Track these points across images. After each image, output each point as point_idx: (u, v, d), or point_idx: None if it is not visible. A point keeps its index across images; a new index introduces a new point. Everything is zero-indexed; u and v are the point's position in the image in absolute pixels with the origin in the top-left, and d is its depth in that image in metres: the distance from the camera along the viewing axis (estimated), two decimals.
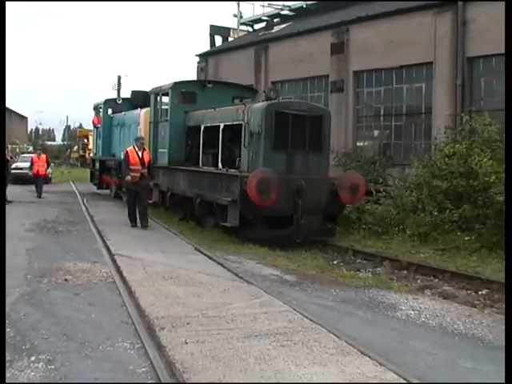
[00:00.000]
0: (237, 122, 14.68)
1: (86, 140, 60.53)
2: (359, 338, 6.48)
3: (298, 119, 13.77)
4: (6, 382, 5.19)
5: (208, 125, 16.37)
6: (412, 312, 7.87)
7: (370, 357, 5.79)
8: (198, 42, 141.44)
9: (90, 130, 59.45)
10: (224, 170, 14.66)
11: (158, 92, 18.63)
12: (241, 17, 38.82)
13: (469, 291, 10.25)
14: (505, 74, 8.03)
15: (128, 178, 15.02)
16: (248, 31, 38.19)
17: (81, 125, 73.25)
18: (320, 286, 9.17)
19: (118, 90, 61.67)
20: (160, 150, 18.19)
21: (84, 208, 19.37)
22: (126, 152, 15.39)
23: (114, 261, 10.48)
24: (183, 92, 18.11)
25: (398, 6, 22.08)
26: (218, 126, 15.61)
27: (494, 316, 7.97)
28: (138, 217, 15.19)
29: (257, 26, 37.77)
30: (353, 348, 6.03)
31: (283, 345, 6.08)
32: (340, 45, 24.51)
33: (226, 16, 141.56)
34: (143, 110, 20.46)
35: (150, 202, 17.01)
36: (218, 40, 38.04)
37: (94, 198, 23.42)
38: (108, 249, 11.62)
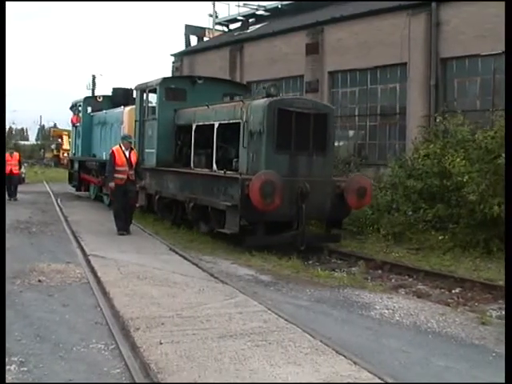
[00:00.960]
0: (234, 121, 13.69)
1: (60, 140, 60.17)
2: (334, 337, 6.53)
3: (301, 117, 12.80)
4: (6, 382, 5.17)
5: (200, 123, 15.33)
6: (386, 311, 7.92)
7: (344, 356, 5.83)
8: (173, 41, 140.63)
9: (65, 130, 59.10)
10: (221, 172, 13.51)
11: (145, 89, 17.52)
12: (216, 17, 38.76)
13: (442, 290, 10.35)
14: (505, 74, 8.01)
15: (111, 184, 14.01)
16: (223, 31, 38.14)
17: (55, 124, 72.69)
18: (295, 286, 9.20)
19: (93, 90, 61.40)
20: (147, 151, 17.16)
21: (58, 208, 19.20)
22: (112, 152, 14.22)
23: (88, 261, 10.43)
24: (172, 88, 17.09)
25: (372, 7, 22.19)
26: (213, 125, 14.59)
27: (466, 314, 8.07)
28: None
29: (232, 26, 37.73)
30: (327, 347, 6.06)
31: (258, 345, 6.09)
32: (315, 45, 24.56)
33: (201, 16, 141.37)
34: (127, 108, 19.60)
35: (137, 205, 16.09)
36: (194, 40, 37.94)
37: (69, 199, 23.22)
38: (82, 249, 11.56)
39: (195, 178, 14.76)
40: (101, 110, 23.12)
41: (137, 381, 5.25)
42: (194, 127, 15.55)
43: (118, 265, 10.04)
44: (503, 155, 13.10)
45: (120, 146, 14.25)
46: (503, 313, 9.03)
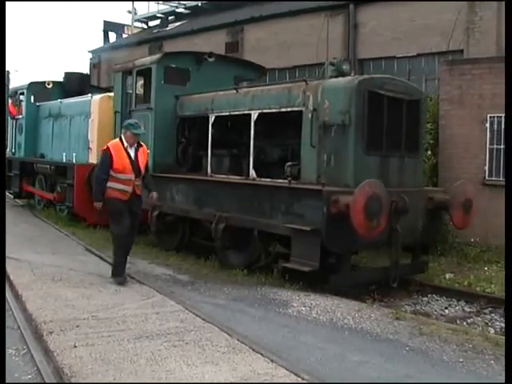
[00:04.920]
0: (290, 109, 10.14)
1: None
2: (251, 335, 6.53)
3: (393, 105, 9.71)
4: (6, 382, 5.01)
5: (224, 113, 11.52)
6: (303, 308, 7.98)
7: (261, 354, 5.83)
8: (90, 37, 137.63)
9: None
10: (280, 181, 9.99)
11: (130, 70, 13.59)
12: (135, 13, 38.30)
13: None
14: (505, 74, 8.06)
15: (97, 204, 9.04)
16: (143, 28, 37.76)
17: None
18: (213, 285, 9.16)
19: (7, 86, 59.39)
20: None
21: None
22: (107, 149, 9.06)
23: None
24: (173, 68, 13.01)
25: (292, 8, 22.42)
26: (247, 116, 10.83)
27: (382, 310, 8.22)
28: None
29: (151, 23, 37.39)
30: (245, 346, 6.07)
31: (175, 345, 6.03)
32: (234, 44, 24.64)
33: (120, 12, 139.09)
34: (97, 97, 16.11)
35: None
36: (112, 36, 37.42)
37: None
38: None
39: (227, 190, 10.92)
40: (50, 99, 19.13)
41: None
42: (211, 119, 11.70)
43: (31, 266, 9.74)
44: None
45: (121, 141, 9.18)
46: (417, 307, 9.33)
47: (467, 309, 9.43)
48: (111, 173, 8.92)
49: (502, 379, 5.46)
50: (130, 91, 13.95)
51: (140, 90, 13.97)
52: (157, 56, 13.07)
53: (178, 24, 32.01)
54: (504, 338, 7.02)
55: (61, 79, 20.14)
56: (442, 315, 9.04)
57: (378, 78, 10.22)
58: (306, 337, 6.75)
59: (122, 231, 8.99)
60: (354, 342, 6.69)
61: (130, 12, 38.51)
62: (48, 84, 19.86)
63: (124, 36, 37.20)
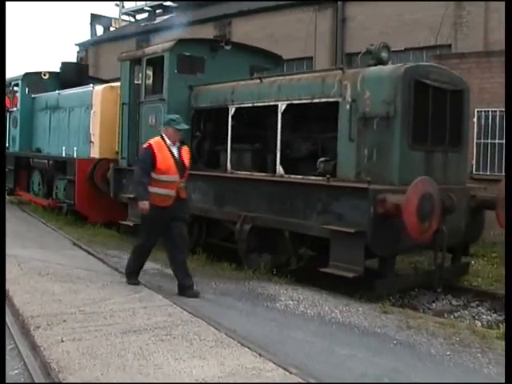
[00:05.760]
0: (323, 99, 9.29)
1: None
2: (239, 329, 6.52)
3: (438, 95, 8.99)
4: (7, 382, 4.98)
5: (247, 105, 10.64)
6: (291, 302, 7.98)
7: (249, 348, 5.83)
8: (77, 30, 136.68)
9: None
10: (316, 179, 9.17)
11: (139, 58, 12.76)
12: (123, 6, 38.13)
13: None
14: (505, 74, 7.96)
15: (144, 204, 8.04)
16: (130, 21, 37.59)
17: None
18: (200, 280, 9.10)
19: None
20: None
21: None
22: (149, 146, 8.13)
23: None
24: (187, 57, 12.16)
25: (280, 2, 22.41)
26: (274, 107, 10.00)
27: (370, 304, 8.21)
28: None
29: (139, 17, 37.25)
30: (232, 340, 6.06)
31: (162, 339, 6.02)
32: (222, 37, 24.55)
33: (107, 5, 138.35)
34: (99, 87, 15.20)
35: (127, 223, 12.08)
36: (100, 29, 37.22)
37: None
38: None
39: (253, 187, 10.00)
40: (46, 90, 18.25)
41: (36, 381, 5.09)
42: (231, 111, 10.85)
43: (18, 261, 9.68)
44: None
45: (162, 138, 8.25)
46: (405, 301, 9.35)
47: (454, 302, 9.46)
48: (151, 174, 8.09)
49: (489, 372, 5.50)
50: (138, 82, 13.01)
51: (150, 80, 13.04)
52: (169, 43, 12.09)
53: (166, 17, 31.88)
54: (491, 331, 7.09)
55: (51, 71, 19.34)
56: (429, 309, 9.07)
57: (423, 67, 9.44)
58: (293, 331, 6.75)
59: (147, 243, 8.52)
60: (342, 335, 6.70)
61: (117, 5, 38.36)
62: (44, 75, 19.03)
63: (111, 29, 37.00)
